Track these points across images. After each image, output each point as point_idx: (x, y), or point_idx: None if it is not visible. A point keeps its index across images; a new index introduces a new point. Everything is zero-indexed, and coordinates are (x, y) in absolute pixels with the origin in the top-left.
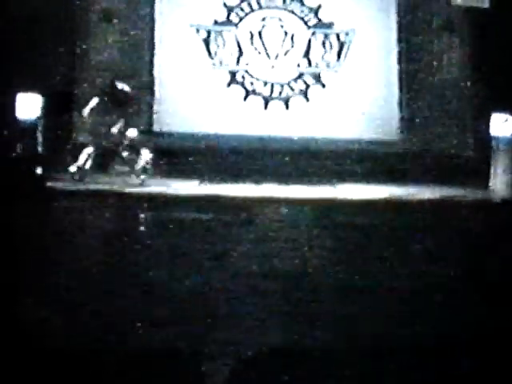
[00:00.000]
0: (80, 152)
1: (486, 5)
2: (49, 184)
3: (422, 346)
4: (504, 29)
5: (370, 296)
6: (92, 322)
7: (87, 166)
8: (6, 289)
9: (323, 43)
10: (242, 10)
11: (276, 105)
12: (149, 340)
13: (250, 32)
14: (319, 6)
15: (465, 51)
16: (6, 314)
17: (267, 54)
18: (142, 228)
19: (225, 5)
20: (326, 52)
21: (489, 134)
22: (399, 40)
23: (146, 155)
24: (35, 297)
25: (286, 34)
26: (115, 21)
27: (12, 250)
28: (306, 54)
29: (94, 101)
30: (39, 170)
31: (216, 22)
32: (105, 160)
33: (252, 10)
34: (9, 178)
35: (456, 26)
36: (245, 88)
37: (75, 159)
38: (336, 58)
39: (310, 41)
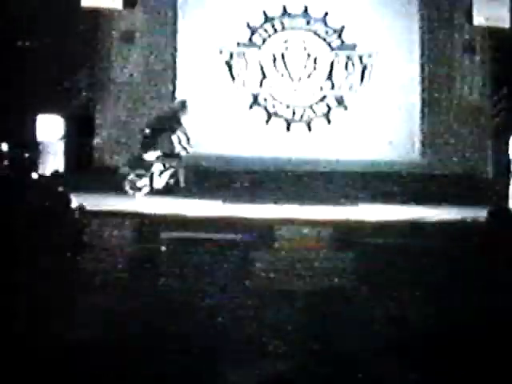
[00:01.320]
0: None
1: (507, 25)
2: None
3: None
4: None
5: (390, 317)
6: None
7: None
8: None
9: (346, 65)
10: (265, 31)
11: (298, 127)
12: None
13: (273, 54)
14: (342, 28)
15: (486, 72)
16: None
17: (290, 76)
18: (162, 248)
19: (248, 26)
20: (348, 74)
21: (509, 155)
22: (422, 62)
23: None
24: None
25: (308, 56)
26: (137, 42)
27: (34, 268)
28: (329, 77)
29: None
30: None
31: (239, 44)
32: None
33: (275, 32)
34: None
35: (478, 47)
36: (267, 110)
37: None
38: (359, 80)
39: (332, 63)
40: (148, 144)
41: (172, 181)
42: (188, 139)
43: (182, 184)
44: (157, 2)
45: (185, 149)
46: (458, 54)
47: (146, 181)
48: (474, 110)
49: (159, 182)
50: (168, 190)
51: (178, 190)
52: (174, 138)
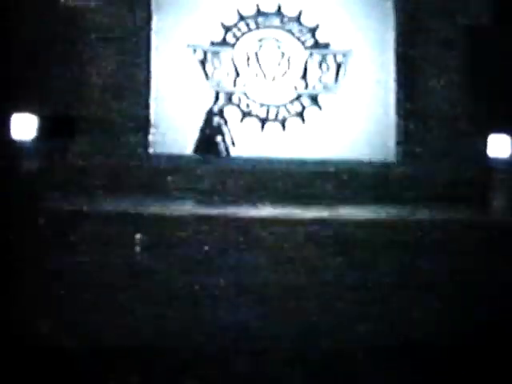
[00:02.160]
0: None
1: (487, 22)
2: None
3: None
4: (506, 47)
5: (367, 313)
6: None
7: None
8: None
9: (320, 64)
10: (239, 29)
11: (273, 126)
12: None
13: (247, 53)
14: (317, 26)
15: (464, 70)
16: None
17: (264, 75)
18: (136, 248)
19: (222, 25)
20: (323, 73)
21: (487, 155)
22: (397, 60)
23: None
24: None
25: (282, 54)
26: (111, 41)
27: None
28: (303, 76)
29: None
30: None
31: (213, 43)
32: None
33: (249, 30)
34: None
35: (456, 45)
36: (241, 109)
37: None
38: (333, 79)
39: (307, 62)
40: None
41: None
42: (232, 140)
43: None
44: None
45: (227, 150)
46: (435, 53)
47: None
48: (450, 110)
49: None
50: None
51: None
52: (219, 138)
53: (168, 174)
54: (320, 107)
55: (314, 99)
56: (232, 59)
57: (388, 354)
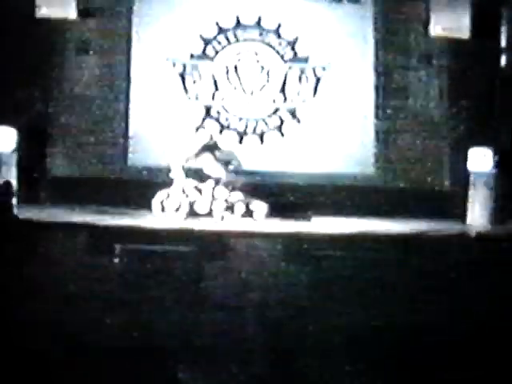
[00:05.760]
0: None
1: (465, 35)
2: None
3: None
4: (483, 61)
5: (343, 328)
6: None
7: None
8: None
9: (299, 78)
10: (218, 42)
11: (251, 140)
12: None
13: (226, 66)
14: (296, 39)
15: (443, 84)
16: None
17: (243, 88)
18: (114, 260)
19: (201, 38)
20: (302, 87)
21: (466, 168)
22: (376, 74)
23: None
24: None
25: (262, 68)
26: (91, 54)
27: None
28: (282, 89)
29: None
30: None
31: (192, 56)
32: None
33: (228, 43)
34: None
35: (434, 59)
36: (220, 123)
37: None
38: (312, 92)
39: (286, 75)
40: None
41: None
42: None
43: None
44: (111, 13)
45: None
46: (414, 66)
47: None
48: (429, 123)
49: None
50: None
51: None
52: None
53: (146, 187)
54: (299, 120)
55: (293, 113)
56: (211, 72)
57: None
